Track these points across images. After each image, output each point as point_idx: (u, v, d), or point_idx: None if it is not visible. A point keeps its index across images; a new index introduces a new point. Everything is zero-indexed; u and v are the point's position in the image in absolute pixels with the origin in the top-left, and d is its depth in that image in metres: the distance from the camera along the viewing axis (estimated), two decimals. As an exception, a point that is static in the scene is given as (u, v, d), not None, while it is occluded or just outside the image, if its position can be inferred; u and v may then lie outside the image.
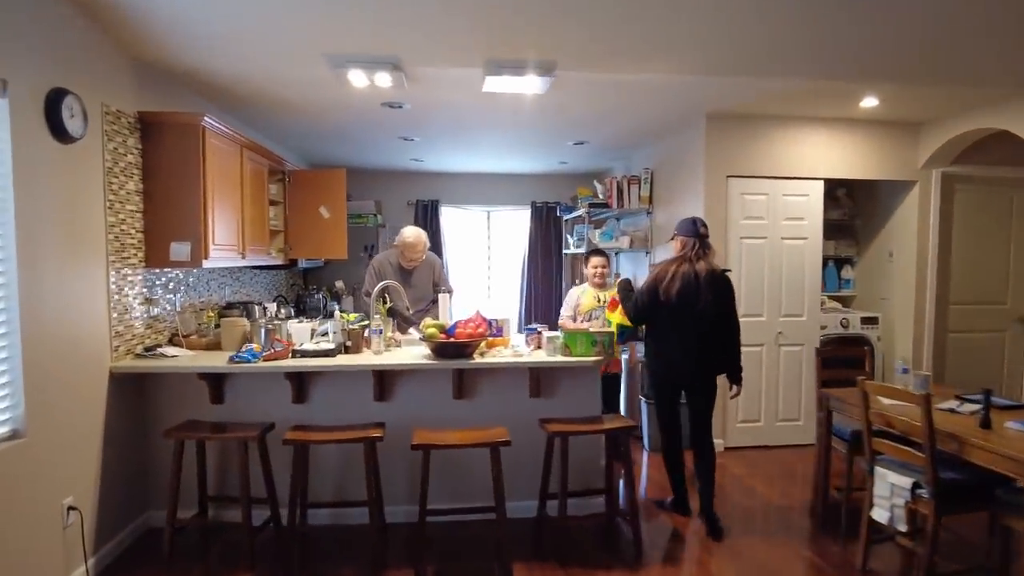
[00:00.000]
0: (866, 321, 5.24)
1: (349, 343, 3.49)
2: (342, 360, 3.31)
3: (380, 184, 7.76)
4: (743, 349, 3.74)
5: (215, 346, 3.67)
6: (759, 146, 4.82)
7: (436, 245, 7.70)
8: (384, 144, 5.93)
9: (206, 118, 3.44)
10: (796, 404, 5.01)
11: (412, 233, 4.13)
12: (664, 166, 5.61)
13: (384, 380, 3.43)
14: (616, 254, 6.92)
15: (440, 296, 3.87)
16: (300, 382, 3.40)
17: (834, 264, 5.67)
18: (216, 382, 3.37)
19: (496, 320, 3.51)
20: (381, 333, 3.46)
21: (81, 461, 2.91)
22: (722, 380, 3.61)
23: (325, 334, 3.57)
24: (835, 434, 3.60)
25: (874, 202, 5.52)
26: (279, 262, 5.17)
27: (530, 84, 3.67)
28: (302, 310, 6.20)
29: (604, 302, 4.42)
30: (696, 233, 3.53)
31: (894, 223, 5.31)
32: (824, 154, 4.91)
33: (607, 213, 6.24)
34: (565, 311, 4.49)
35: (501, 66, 3.46)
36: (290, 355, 3.36)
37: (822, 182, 4.95)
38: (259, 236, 4.50)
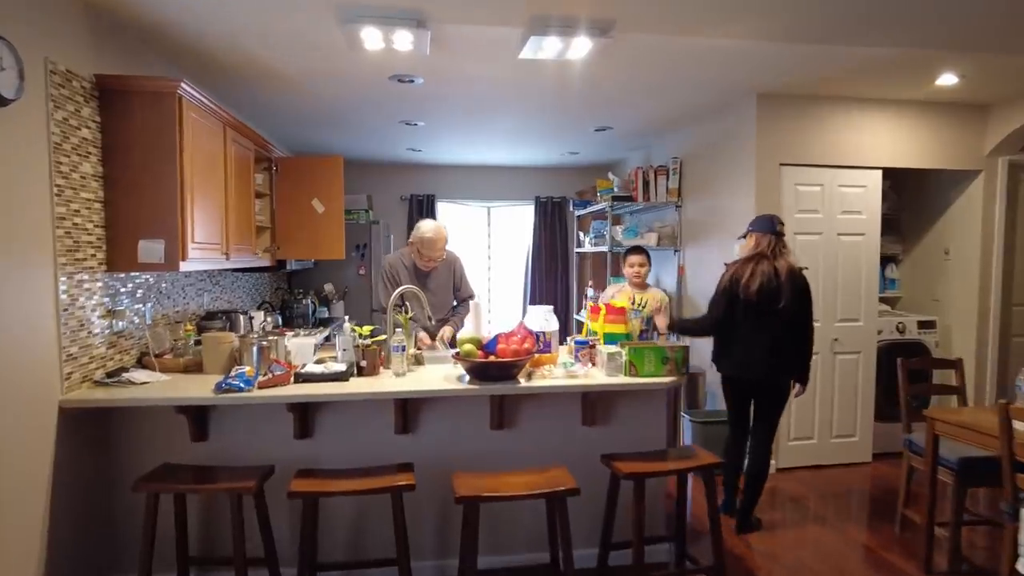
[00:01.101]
0: (923, 325, 4.74)
1: (363, 363, 2.84)
2: (357, 386, 2.66)
3: (371, 177, 7.10)
4: None
5: (195, 367, 2.98)
6: (813, 131, 4.28)
7: (434, 244, 7.06)
8: (382, 130, 5.27)
9: (184, 85, 2.76)
10: (852, 418, 4.49)
11: (432, 228, 3.49)
12: (697, 155, 5.05)
13: (408, 409, 2.80)
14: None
15: (471, 304, 3.25)
16: (305, 413, 2.75)
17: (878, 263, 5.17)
18: (199, 415, 2.69)
19: (544, 333, 2.89)
20: (403, 350, 2.82)
21: (20, 523, 2.22)
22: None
23: (325, 344, 2.92)
24: (942, 464, 3.06)
25: (924, 195, 5.03)
26: (265, 263, 4.48)
27: (577, 48, 3.06)
28: (289, 318, 5.51)
29: (641, 305, 3.94)
30: (773, 230, 3.37)
31: (950, 217, 4.82)
32: (883, 141, 4.39)
33: (628, 208, 5.67)
34: None
35: (549, 24, 2.84)
36: (292, 380, 2.70)
37: (880, 172, 4.43)
38: (245, 233, 3.82)
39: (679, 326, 3.67)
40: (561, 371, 2.79)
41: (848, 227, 4.40)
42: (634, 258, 4.09)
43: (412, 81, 3.83)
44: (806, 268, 3.45)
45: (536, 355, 2.83)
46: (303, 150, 6.23)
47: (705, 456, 2.68)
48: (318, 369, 2.77)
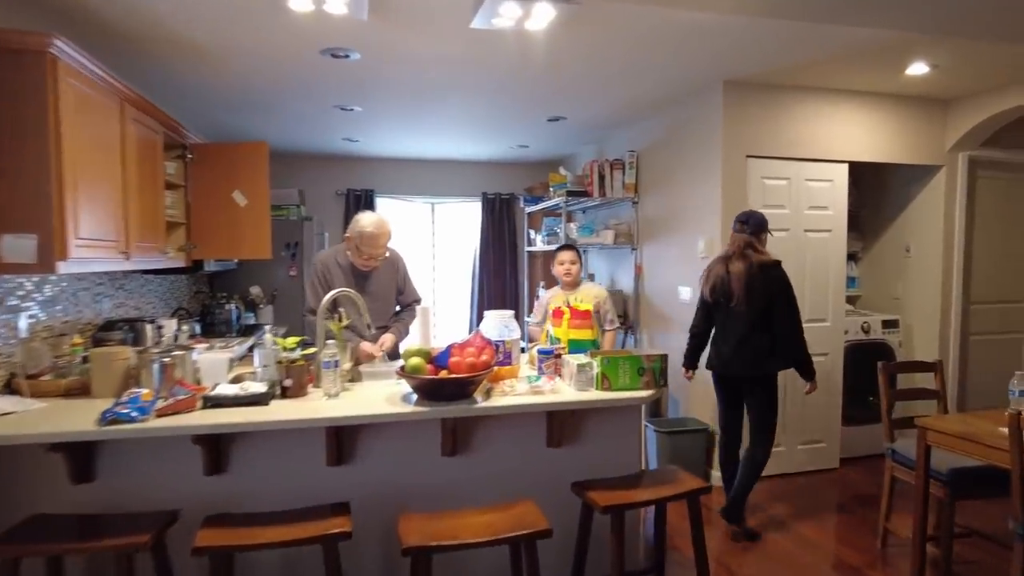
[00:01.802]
0: (887, 325, 4.60)
1: (288, 382, 2.38)
2: (279, 411, 2.20)
3: (303, 170, 6.56)
4: None
5: (80, 389, 2.45)
6: (780, 123, 4.06)
7: (374, 242, 6.57)
8: (315, 116, 4.76)
9: (58, 42, 2.24)
10: (820, 423, 4.29)
11: (373, 221, 3.02)
12: (656, 148, 4.77)
13: (343, 437, 2.36)
14: (585, 251, 6.05)
15: (418, 309, 2.82)
16: (216, 445, 2.27)
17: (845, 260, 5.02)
18: (81, 452, 2.18)
19: (503, 342, 2.50)
20: (337, 366, 2.37)
21: None
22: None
23: (250, 354, 2.45)
24: (932, 476, 2.83)
25: (885, 191, 4.91)
26: (179, 264, 3.92)
27: (538, 16, 2.69)
28: (210, 325, 4.94)
29: (575, 306, 3.58)
30: (744, 229, 3.31)
31: (911, 214, 4.71)
32: (849, 134, 4.21)
33: (582, 204, 5.34)
34: (534, 317, 3.81)
35: (507, -16, 2.46)
36: (199, 404, 2.22)
37: (846, 165, 4.25)
38: (151, 229, 3.28)
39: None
40: (524, 386, 2.41)
41: (815, 223, 4.20)
42: (564, 254, 3.79)
43: (347, 56, 3.37)
44: (777, 261, 3.24)
45: (495, 368, 2.44)
46: (227, 139, 5.64)
47: (688, 479, 2.35)
48: (232, 391, 2.29)
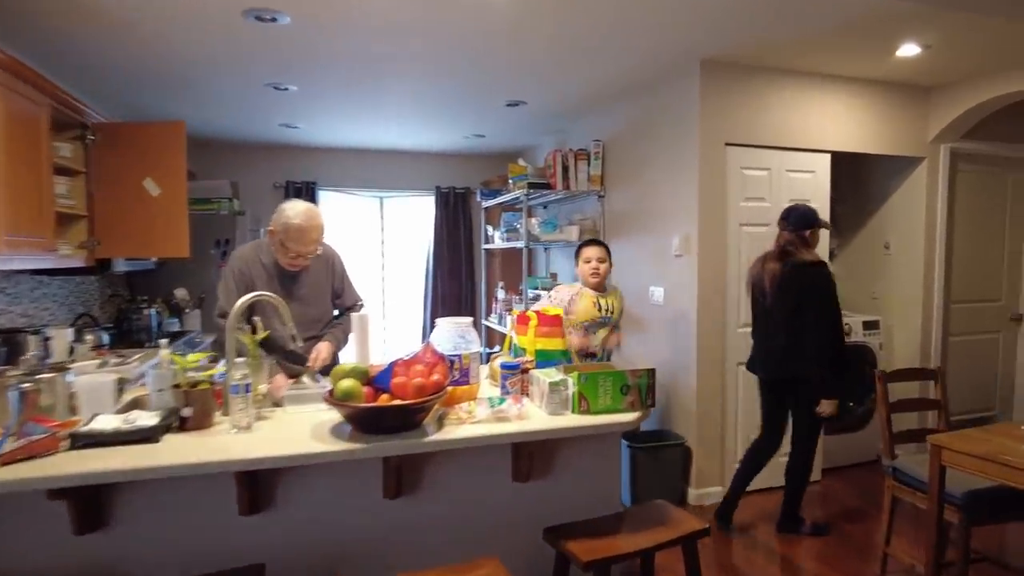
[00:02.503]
0: (867, 326, 4.33)
1: (187, 411, 1.89)
2: (171, 451, 1.71)
3: (237, 159, 5.97)
4: (744, 368, 3.55)
5: (-85, 425, 1.90)
6: (761, 108, 3.72)
7: (317, 240, 6.01)
8: (245, 96, 4.22)
9: None
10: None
11: (301, 212, 2.50)
12: (624, 137, 4.39)
13: (259, 480, 1.88)
14: (547, 248, 5.65)
15: (357, 315, 2.32)
16: (90, 496, 1.76)
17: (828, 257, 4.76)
18: None
19: (460, 357, 2.05)
20: (248, 391, 1.89)
21: None
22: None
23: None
24: (947, 500, 2.52)
25: (862, 184, 4.66)
26: (79, 263, 3.35)
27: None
28: (127, 333, 4.34)
29: (609, 311, 3.25)
30: (787, 226, 3.18)
31: (891, 209, 4.46)
32: (832, 121, 3.91)
33: (544, 197, 4.94)
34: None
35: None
36: (64, 445, 1.71)
37: (829, 156, 3.95)
38: (32, 221, 2.72)
39: None
40: (485, 410, 1.97)
41: (796, 218, 3.87)
42: (591, 251, 3.26)
43: (274, 19, 2.87)
44: (821, 262, 3.16)
45: (450, 389, 2.00)
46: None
47: (683, 519, 1.96)
48: (112, 425, 1.78)
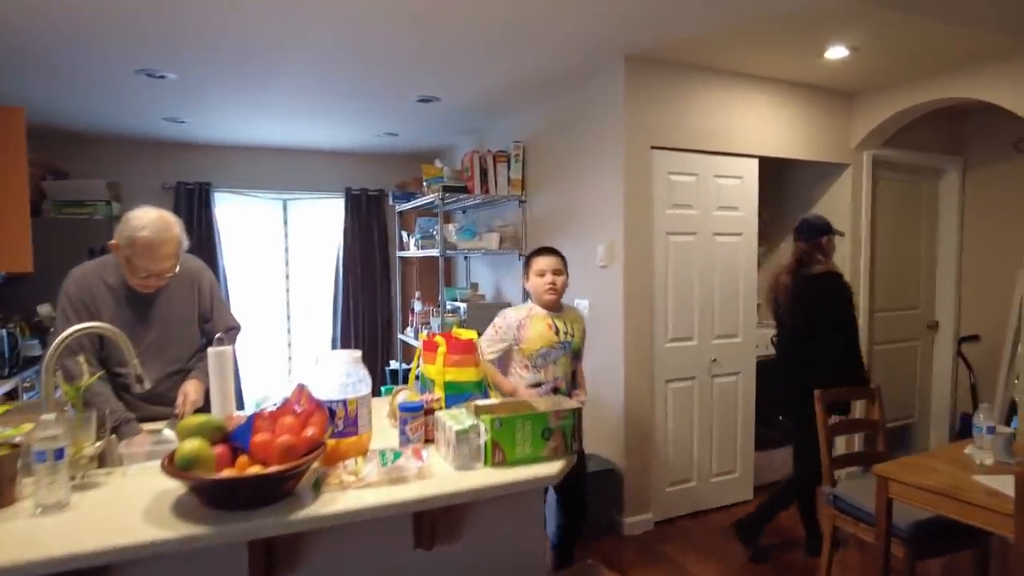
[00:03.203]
0: (795, 337, 4.21)
1: (-27, 487, 1.42)
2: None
3: (120, 157, 5.31)
4: (673, 384, 3.56)
5: None
6: (687, 109, 3.51)
7: (209, 248, 5.46)
8: (114, 84, 3.64)
9: None
10: (731, 451, 3.80)
11: (150, 222, 2.01)
12: (545, 138, 4.10)
13: None
14: (466, 257, 5.30)
15: (211, 352, 1.87)
16: None
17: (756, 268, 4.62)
18: None
19: (345, 403, 1.66)
20: (60, 457, 1.43)
21: None
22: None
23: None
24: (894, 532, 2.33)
25: (787, 191, 4.56)
26: None
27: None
28: (-34, 359, 3.69)
29: (569, 335, 2.68)
30: (801, 237, 3.13)
31: (815, 216, 4.36)
32: (760, 125, 3.75)
33: (462, 202, 4.58)
34: (490, 346, 2.65)
35: None
36: None
37: (757, 161, 3.79)
38: None
39: None
40: (375, 469, 1.59)
41: (725, 226, 3.70)
42: (545, 261, 2.66)
43: (127, -12, 2.39)
44: (835, 274, 3.09)
45: (332, 443, 1.61)
46: None
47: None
48: None
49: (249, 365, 5.85)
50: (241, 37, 2.94)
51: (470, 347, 2.17)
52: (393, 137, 5.33)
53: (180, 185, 5.46)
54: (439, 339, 2.18)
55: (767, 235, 4.66)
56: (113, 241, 2.03)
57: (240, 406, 5.64)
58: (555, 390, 2.63)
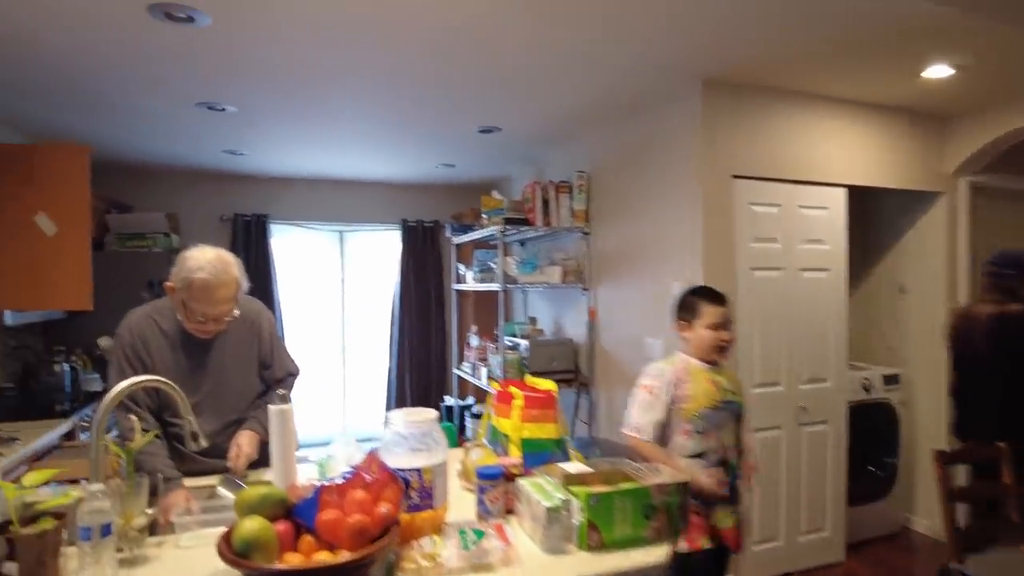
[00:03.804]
0: (888, 380, 3.86)
1: (10, 567, 1.26)
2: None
3: (179, 189, 5.34)
4: (759, 435, 3.14)
5: None
6: (770, 135, 3.27)
7: (265, 280, 5.42)
8: (175, 117, 3.62)
9: None
10: (821, 507, 3.45)
11: (207, 263, 1.89)
12: (611, 167, 3.90)
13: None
14: (524, 291, 5.11)
15: (276, 411, 1.69)
16: None
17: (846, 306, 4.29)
18: None
19: (420, 471, 1.46)
20: (107, 533, 1.27)
21: None
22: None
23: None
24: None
25: (873, 221, 4.23)
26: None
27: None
28: (33, 395, 3.68)
29: (732, 393, 2.24)
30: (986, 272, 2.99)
31: (906, 248, 4.03)
32: (848, 152, 3.48)
33: (522, 234, 4.41)
34: (646, 414, 2.17)
35: None
36: None
37: (845, 190, 3.51)
38: None
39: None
40: (455, 551, 1.38)
41: (811, 260, 3.41)
42: (719, 312, 2.20)
43: (191, 19, 2.31)
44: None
45: (405, 518, 1.41)
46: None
47: None
48: None
49: (304, 400, 5.76)
50: (295, 67, 2.84)
51: (550, 400, 1.96)
52: (450, 168, 5.22)
53: (238, 217, 5.46)
54: (515, 390, 1.97)
55: (851, 269, 4.34)
56: (169, 283, 1.91)
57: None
58: (723, 462, 2.17)
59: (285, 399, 1.65)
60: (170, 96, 3.22)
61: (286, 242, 5.72)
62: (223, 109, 3.47)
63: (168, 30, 2.40)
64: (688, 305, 2.27)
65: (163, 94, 3.18)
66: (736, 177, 3.18)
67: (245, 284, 2.01)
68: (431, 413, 1.54)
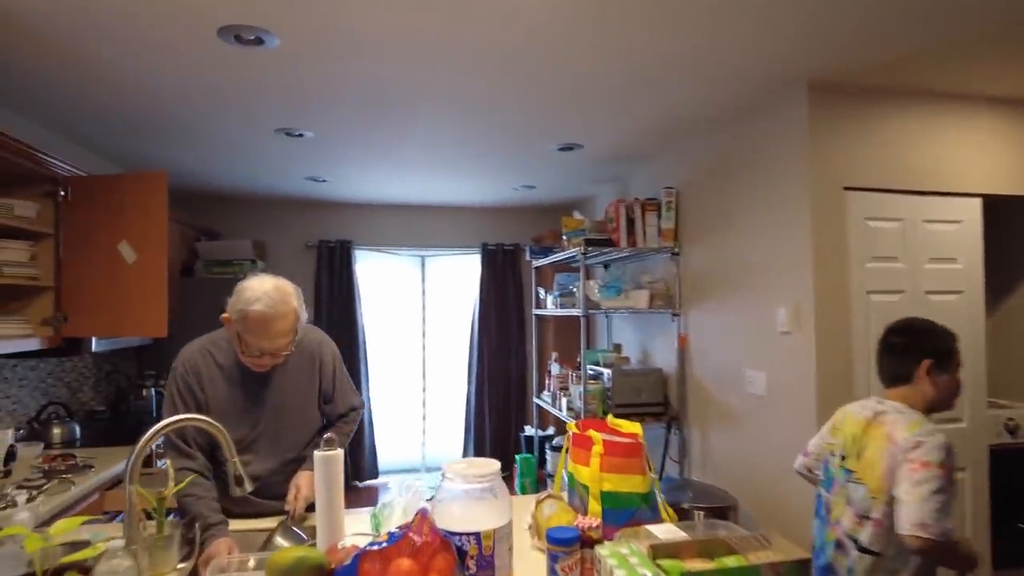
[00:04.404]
0: (1039, 421, 3.30)
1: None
2: None
3: (266, 217, 5.47)
4: None
5: None
6: (887, 141, 2.88)
7: (349, 306, 5.43)
8: (256, 145, 3.66)
9: None
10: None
11: (264, 294, 1.76)
12: (705, 182, 3.59)
13: None
14: (608, 317, 4.83)
15: (321, 457, 1.49)
16: None
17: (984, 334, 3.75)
18: None
19: (479, 535, 1.25)
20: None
21: None
22: None
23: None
24: None
25: (1006, 236, 3.68)
26: (35, 345, 2.74)
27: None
28: (125, 418, 3.76)
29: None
30: None
31: (1055, 267, 3.47)
32: (980, 157, 3.02)
33: (605, 256, 4.15)
34: (947, 510, 1.63)
35: None
36: None
37: (980, 201, 3.04)
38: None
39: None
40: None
41: (940, 281, 2.96)
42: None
43: (261, 41, 2.26)
44: None
45: (460, 592, 1.20)
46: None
47: None
48: None
49: (384, 427, 5.70)
50: (369, 91, 2.76)
51: (635, 447, 1.69)
52: (530, 190, 5.05)
53: (322, 243, 5.51)
54: (594, 434, 1.72)
55: (993, 288, 3.79)
56: (225, 314, 1.80)
57: (374, 473, 5.45)
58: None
59: (331, 443, 1.48)
60: (249, 123, 3.23)
61: (369, 267, 5.73)
62: (300, 135, 3.46)
63: (239, 54, 2.36)
64: (945, 349, 1.84)
65: (241, 121, 3.20)
66: (848, 189, 2.81)
67: (304, 315, 1.88)
68: (494, 465, 1.33)
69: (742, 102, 3.00)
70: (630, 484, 1.66)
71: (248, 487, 1.50)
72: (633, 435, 1.76)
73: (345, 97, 2.86)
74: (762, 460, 3.04)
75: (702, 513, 2.85)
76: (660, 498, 1.75)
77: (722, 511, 2.93)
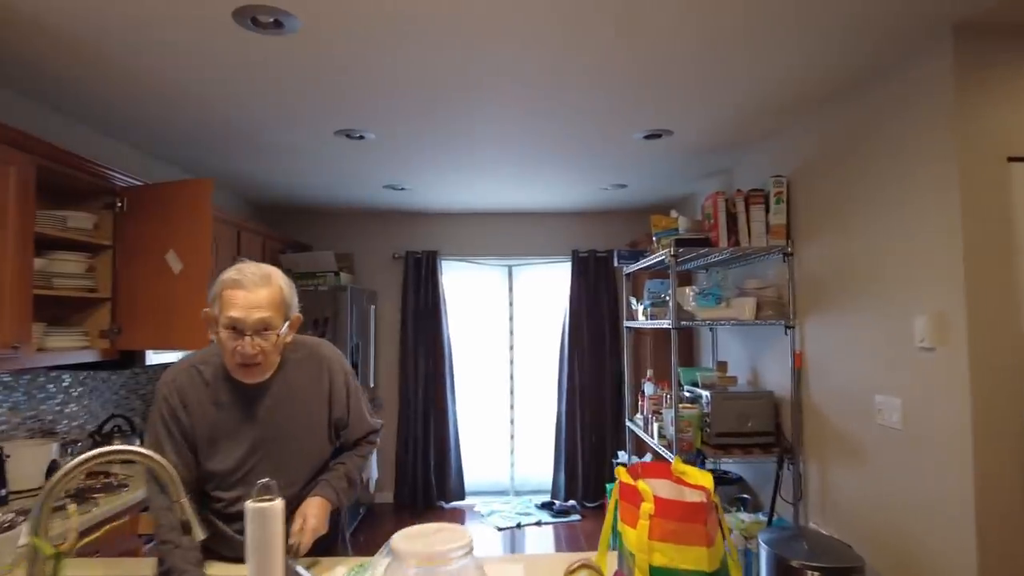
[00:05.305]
0: None
1: None
2: None
3: (352, 229, 5.44)
4: None
5: None
6: (1071, 94, 2.18)
7: (435, 317, 5.23)
8: (319, 151, 3.51)
9: None
10: None
11: (244, 267, 1.54)
12: (821, 166, 2.99)
13: None
14: (711, 328, 4.26)
15: (253, 510, 1.16)
16: None
17: None
18: None
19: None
20: None
21: None
22: None
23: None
24: None
25: None
26: (91, 357, 2.70)
27: None
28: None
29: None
30: None
31: None
32: None
33: (702, 258, 3.62)
34: None
35: None
36: None
37: None
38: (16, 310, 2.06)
39: None
40: None
41: None
42: None
43: (280, 24, 2.04)
44: None
45: None
46: (255, 196, 4.59)
47: None
48: None
49: (470, 445, 5.44)
50: (424, 81, 2.47)
51: (699, 510, 1.24)
52: (621, 189, 4.60)
53: (409, 254, 5.37)
54: (643, 487, 1.29)
55: None
56: (204, 311, 1.55)
57: (460, 495, 5.16)
58: None
59: (269, 488, 1.16)
60: (301, 125, 3.07)
61: (456, 278, 5.52)
62: (361, 136, 3.26)
63: (258, 42, 2.15)
64: None
65: (291, 123, 3.04)
66: (1014, 160, 2.15)
67: (295, 307, 1.61)
68: (460, 538, 0.94)
69: (865, 63, 2.42)
70: (690, 559, 1.21)
71: (200, 534, 1.21)
72: (702, 489, 1.30)
73: (395, 89, 2.60)
74: (899, 512, 2.40)
75: (817, 575, 2.26)
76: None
77: (844, 573, 2.31)
